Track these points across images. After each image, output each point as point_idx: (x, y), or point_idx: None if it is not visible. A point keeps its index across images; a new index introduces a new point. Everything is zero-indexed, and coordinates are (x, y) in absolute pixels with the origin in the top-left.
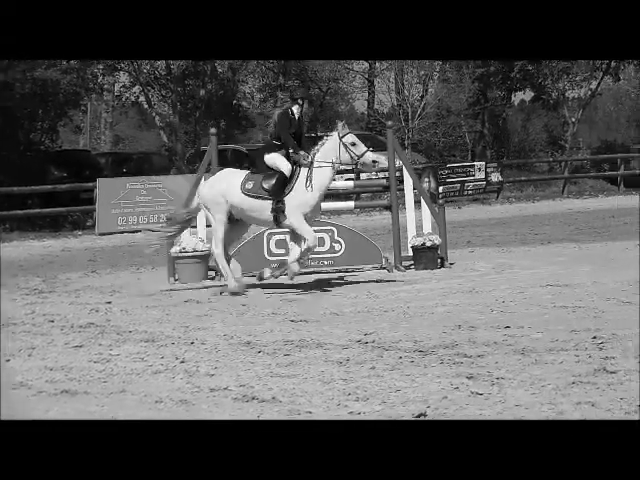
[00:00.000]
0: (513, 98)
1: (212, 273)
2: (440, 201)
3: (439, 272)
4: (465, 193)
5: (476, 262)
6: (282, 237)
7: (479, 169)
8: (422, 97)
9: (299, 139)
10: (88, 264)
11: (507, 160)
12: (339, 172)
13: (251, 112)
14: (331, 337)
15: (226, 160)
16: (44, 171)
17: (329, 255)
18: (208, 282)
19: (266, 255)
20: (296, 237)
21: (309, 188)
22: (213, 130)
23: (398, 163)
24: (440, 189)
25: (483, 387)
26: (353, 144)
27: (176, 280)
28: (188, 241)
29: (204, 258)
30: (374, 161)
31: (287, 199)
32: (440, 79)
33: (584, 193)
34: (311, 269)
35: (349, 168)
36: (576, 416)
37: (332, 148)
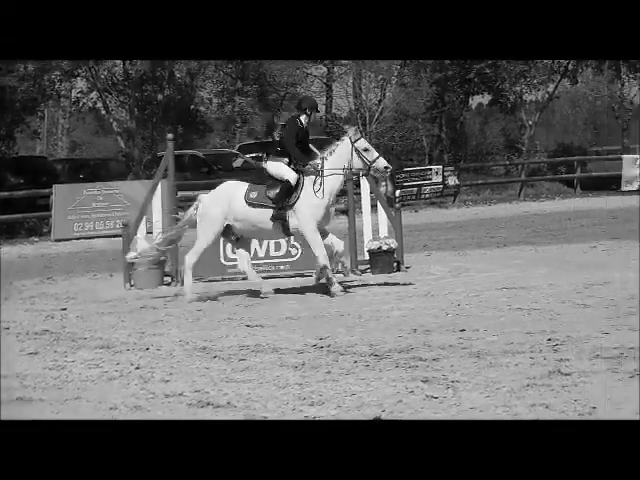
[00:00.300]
0: (471, 102)
1: (168, 279)
2: (397, 205)
3: (395, 276)
4: (422, 197)
5: (432, 266)
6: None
7: (436, 173)
8: (380, 101)
9: (305, 149)
10: (44, 271)
11: (464, 164)
12: None
13: (209, 117)
14: (287, 342)
15: (183, 166)
16: (0, 178)
17: (285, 259)
18: (164, 288)
19: (222, 260)
20: (325, 234)
21: (318, 194)
22: (170, 135)
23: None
24: (397, 193)
25: (438, 390)
26: (366, 150)
27: (132, 286)
28: (144, 247)
29: (160, 264)
30: (386, 167)
31: (297, 206)
32: (398, 83)
33: (541, 196)
34: (267, 274)
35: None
36: (530, 418)
37: (344, 154)
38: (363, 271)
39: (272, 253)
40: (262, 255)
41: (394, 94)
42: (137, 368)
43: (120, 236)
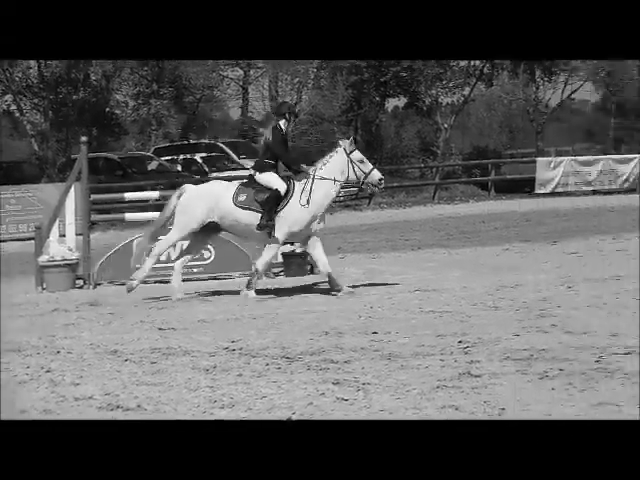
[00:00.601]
0: (387, 104)
1: (80, 282)
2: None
3: (308, 278)
4: (337, 199)
5: (346, 268)
6: (152, 245)
7: None
8: (296, 104)
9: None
10: None
11: (379, 166)
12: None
13: (124, 120)
14: (199, 344)
15: (97, 169)
16: None
17: (199, 262)
18: (76, 291)
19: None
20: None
21: (305, 205)
22: (84, 138)
23: None
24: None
25: (349, 393)
26: (361, 161)
27: (43, 289)
28: (57, 250)
29: (72, 267)
30: (380, 179)
31: (280, 215)
32: (314, 86)
33: (455, 199)
34: (181, 277)
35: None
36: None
37: (339, 164)
38: (277, 274)
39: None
40: (175, 258)
41: (310, 97)
42: (48, 371)
43: (33, 239)
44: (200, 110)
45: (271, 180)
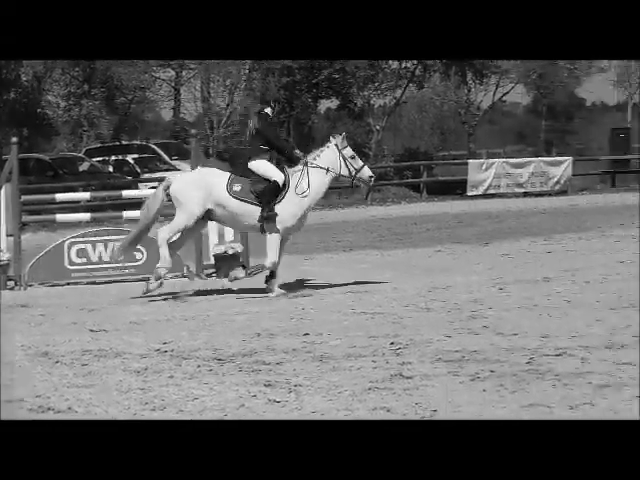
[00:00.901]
0: (319, 106)
1: (11, 283)
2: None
3: (241, 280)
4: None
5: (278, 270)
6: (83, 246)
7: None
8: (228, 105)
9: None
10: None
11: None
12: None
13: (55, 121)
14: (130, 346)
15: (28, 169)
16: None
17: (131, 264)
18: (7, 292)
19: (67, 265)
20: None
21: (303, 195)
22: (14, 139)
23: None
24: None
25: (280, 394)
26: (353, 157)
27: None
28: None
29: (3, 268)
30: (370, 176)
31: (278, 206)
32: (246, 87)
33: (387, 200)
34: (112, 278)
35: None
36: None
37: (331, 159)
38: (209, 275)
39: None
40: (107, 259)
41: (242, 98)
42: None
43: None
44: (132, 111)
45: (268, 170)
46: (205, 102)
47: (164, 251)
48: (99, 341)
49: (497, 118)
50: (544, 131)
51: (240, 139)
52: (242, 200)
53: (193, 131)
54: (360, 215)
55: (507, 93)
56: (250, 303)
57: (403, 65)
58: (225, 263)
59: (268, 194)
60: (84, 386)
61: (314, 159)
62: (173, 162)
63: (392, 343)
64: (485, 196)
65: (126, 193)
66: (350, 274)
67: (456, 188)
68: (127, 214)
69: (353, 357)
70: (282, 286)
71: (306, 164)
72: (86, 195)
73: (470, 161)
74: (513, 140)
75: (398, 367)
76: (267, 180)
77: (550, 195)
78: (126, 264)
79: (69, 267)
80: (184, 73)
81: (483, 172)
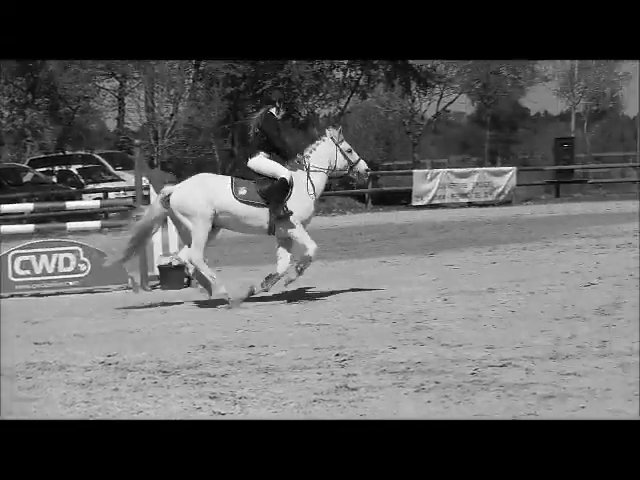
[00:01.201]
0: None
1: None
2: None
3: (186, 292)
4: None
5: (223, 281)
6: (27, 258)
7: None
8: (172, 115)
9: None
10: None
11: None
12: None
13: None
14: (74, 359)
15: None
16: None
17: (74, 276)
18: None
19: (10, 277)
20: (286, 244)
21: (310, 192)
22: None
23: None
24: None
25: (225, 407)
26: (349, 151)
27: None
28: None
29: None
30: (366, 169)
31: (290, 206)
32: (191, 97)
33: (332, 210)
34: (56, 290)
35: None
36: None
37: (327, 153)
38: (153, 287)
39: (61, 269)
40: (51, 271)
41: (187, 108)
42: None
43: None
44: (76, 121)
45: (273, 167)
46: (149, 112)
47: (206, 269)
48: (43, 354)
49: (441, 128)
50: (488, 141)
51: (185, 149)
52: (249, 203)
53: (137, 141)
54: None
55: (451, 103)
56: (195, 315)
57: (347, 74)
58: (170, 274)
59: (276, 193)
60: (28, 399)
61: (310, 152)
62: (117, 172)
63: (337, 355)
64: (430, 206)
65: (70, 204)
66: (295, 285)
67: (401, 198)
68: (71, 225)
69: (298, 369)
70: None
71: (307, 166)
72: (30, 206)
73: (415, 171)
74: (457, 150)
75: (343, 379)
76: (272, 179)
77: (494, 205)
78: (70, 276)
79: (13, 279)
80: (128, 83)
81: (428, 182)
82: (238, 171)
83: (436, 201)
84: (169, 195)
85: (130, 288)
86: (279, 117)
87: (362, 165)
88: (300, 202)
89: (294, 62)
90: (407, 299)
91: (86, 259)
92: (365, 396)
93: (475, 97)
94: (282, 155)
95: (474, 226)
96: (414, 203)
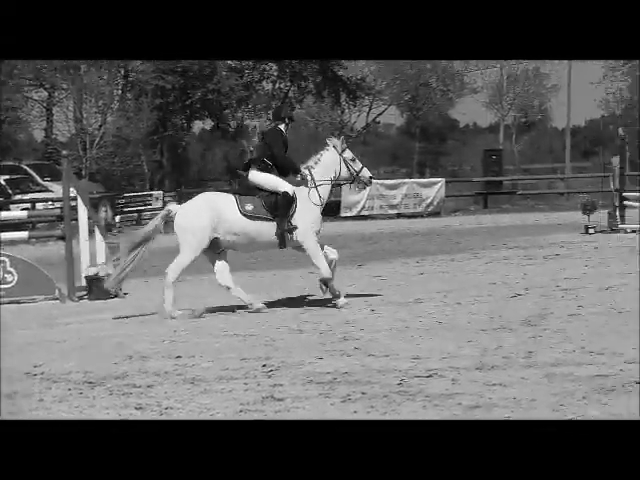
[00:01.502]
0: (193, 127)
1: None
2: (115, 231)
3: (113, 302)
4: (143, 223)
5: (151, 293)
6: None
7: (157, 198)
8: (101, 126)
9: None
10: None
11: (185, 189)
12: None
13: None
14: None
15: None
16: None
17: (1, 286)
18: None
19: None
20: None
21: (316, 204)
22: None
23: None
24: (117, 218)
25: (151, 418)
26: (353, 160)
27: None
28: None
29: None
30: (371, 177)
31: (295, 220)
32: (119, 108)
33: None
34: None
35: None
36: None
37: (332, 163)
38: (81, 297)
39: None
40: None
41: (115, 119)
42: None
43: None
44: (4, 131)
45: (275, 181)
46: (78, 123)
47: (169, 295)
48: None
49: (371, 139)
50: (417, 152)
51: (113, 160)
52: (257, 218)
53: (65, 152)
54: None
55: (380, 114)
56: (123, 325)
57: (277, 86)
58: (97, 285)
59: (282, 207)
60: None
61: (315, 163)
62: (45, 183)
63: (264, 365)
64: (359, 217)
65: None
66: (222, 296)
67: (330, 209)
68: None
69: (225, 379)
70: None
71: (312, 177)
72: None
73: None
74: (386, 161)
75: (270, 389)
76: (275, 193)
77: (423, 216)
78: None
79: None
80: (57, 93)
81: (357, 193)
82: (239, 187)
83: (365, 212)
84: (173, 215)
85: (57, 299)
86: (285, 133)
87: (366, 173)
88: (309, 214)
89: (224, 73)
90: (335, 310)
91: (13, 269)
92: (291, 406)
93: (404, 109)
94: (283, 172)
95: (403, 237)
96: (343, 214)
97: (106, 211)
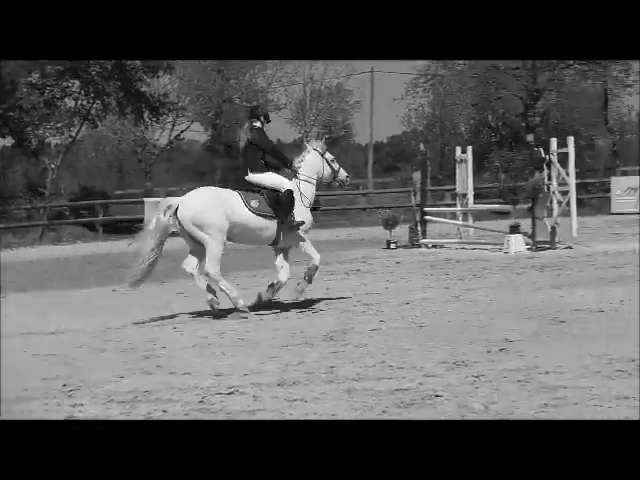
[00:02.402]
0: None
1: None
2: None
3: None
4: None
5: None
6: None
7: None
8: None
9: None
10: None
11: None
12: None
13: None
14: None
15: None
16: None
17: None
18: None
19: None
20: (285, 253)
21: (306, 205)
22: None
23: None
24: None
25: None
26: (333, 160)
27: None
28: None
29: None
30: (347, 176)
31: (296, 217)
32: None
33: (62, 239)
34: None
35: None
36: None
37: (315, 164)
38: None
39: None
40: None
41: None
42: None
43: None
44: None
45: (278, 179)
46: None
47: (225, 283)
48: None
49: (176, 155)
50: (221, 168)
51: None
52: (262, 215)
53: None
54: (34, 255)
55: (184, 131)
56: None
57: (79, 103)
58: None
59: (285, 205)
60: None
61: (299, 163)
62: None
63: (64, 385)
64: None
65: None
66: (19, 316)
67: (133, 227)
68: None
69: (24, 400)
70: None
71: (298, 177)
72: None
73: (146, 200)
74: (191, 178)
75: (70, 409)
76: (276, 191)
77: None
78: None
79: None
80: None
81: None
82: (234, 184)
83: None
84: (176, 208)
85: None
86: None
87: (343, 173)
88: (302, 213)
89: (24, 90)
90: (137, 328)
91: None
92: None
93: (208, 125)
94: (277, 156)
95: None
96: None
97: None
